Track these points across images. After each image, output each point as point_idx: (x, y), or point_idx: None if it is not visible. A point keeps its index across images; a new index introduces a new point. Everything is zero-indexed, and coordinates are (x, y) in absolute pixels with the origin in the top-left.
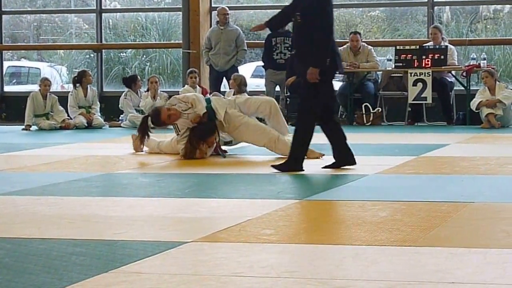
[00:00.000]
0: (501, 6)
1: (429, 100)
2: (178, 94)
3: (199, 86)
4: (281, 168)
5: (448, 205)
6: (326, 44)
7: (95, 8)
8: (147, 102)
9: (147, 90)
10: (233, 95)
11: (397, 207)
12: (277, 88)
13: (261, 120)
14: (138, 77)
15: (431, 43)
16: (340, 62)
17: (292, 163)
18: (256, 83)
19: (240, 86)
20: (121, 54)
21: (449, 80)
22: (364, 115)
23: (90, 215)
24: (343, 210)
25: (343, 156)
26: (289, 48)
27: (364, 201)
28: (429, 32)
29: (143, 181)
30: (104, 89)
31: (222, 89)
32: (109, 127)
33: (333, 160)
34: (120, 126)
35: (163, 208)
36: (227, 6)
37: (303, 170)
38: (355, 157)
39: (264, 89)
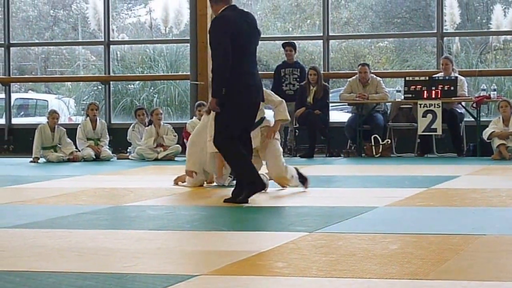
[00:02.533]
0: (511, 36)
1: (439, 132)
2: (185, 127)
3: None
4: (242, 199)
5: (459, 237)
6: (220, 73)
7: (103, 40)
8: (148, 141)
9: (150, 124)
10: None
11: (407, 239)
12: None
13: None
14: (144, 109)
15: (440, 74)
16: (254, 94)
17: (251, 188)
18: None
19: None
20: (129, 86)
21: (459, 111)
22: (373, 147)
23: (99, 248)
24: (353, 243)
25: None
26: (298, 79)
27: (375, 233)
28: (440, 62)
29: (152, 213)
30: (112, 121)
31: None
32: (117, 159)
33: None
34: (128, 158)
35: (172, 241)
36: None
37: (266, 186)
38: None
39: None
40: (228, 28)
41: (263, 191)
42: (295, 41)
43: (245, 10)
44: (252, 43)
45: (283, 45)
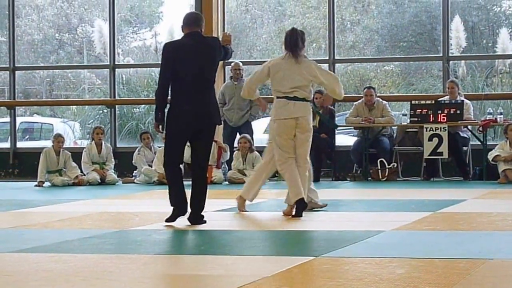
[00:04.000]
0: None
1: (445, 155)
2: None
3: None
4: (167, 219)
5: (466, 262)
6: (156, 98)
7: (108, 63)
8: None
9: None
10: (242, 156)
11: (414, 264)
12: None
13: None
14: (149, 132)
15: (447, 97)
16: (189, 120)
17: (173, 211)
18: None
19: (251, 146)
20: (135, 109)
21: (462, 135)
22: (379, 171)
23: (104, 273)
24: (360, 267)
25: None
26: None
27: (381, 258)
28: (446, 86)
29: (157, 238)
30: (118, 145)
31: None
32: (123, 183)
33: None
34: (134, 182)
35: (177, 265)
36: (241, 61)
37: (185, 212)
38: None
39: None
40: (169, 55)
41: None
42: None
43: (212, 36)
44: (194, 70)
45: None
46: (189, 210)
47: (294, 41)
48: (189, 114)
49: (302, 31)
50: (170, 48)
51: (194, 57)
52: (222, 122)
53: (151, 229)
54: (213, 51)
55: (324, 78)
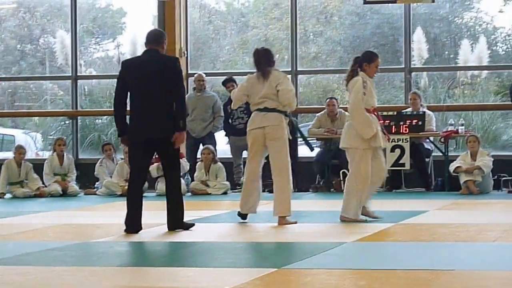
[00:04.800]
0: (478, 71)
1: (407, 167)
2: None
3: None
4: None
5: (428, 273)
6: (114, 114)
7: (70, 75)
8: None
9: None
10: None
11: (375, 275)
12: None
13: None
14: (112, 144)
15: (409, 109)
16: (142, 132)
17: (125, 228)
18: None
19: (214, 157)
20: (97, 120)
21: (426, 146)
22: (341, 182)
23: (66, 285)
24: (321, 279)
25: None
26: (245, 112)
27: (343, 269)
28: (408, 97)
29: (119, 249)
30: (80, 156)
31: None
32: (85, 194)
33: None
34: (96, 194)
35: (140, 278)
36: (204, 73)
37: (134, 230)
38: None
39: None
40: (122, 73)
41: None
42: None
43: (167, 55)
44: (144, 86)
45: (224, 83)
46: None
47: (256, 61)
48: (140, 128)
49: (266, 49)
50: (123, 66)
51: (144, 74)
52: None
53: (113, 241)
54: (165, 69)
55: (282, 87)
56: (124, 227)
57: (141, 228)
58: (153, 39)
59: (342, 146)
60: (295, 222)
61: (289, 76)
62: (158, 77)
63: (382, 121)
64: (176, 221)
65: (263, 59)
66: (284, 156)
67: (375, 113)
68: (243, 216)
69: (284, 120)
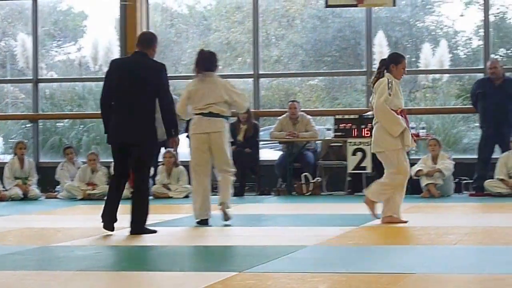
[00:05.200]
0: (439, 75)
1: (369, 170)
2: None
3: None
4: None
5: (388, 276)
6: (100, 110)
7: (31, 78)
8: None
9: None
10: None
11: (336, 278)
12: None
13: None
14: (73, 147)
15: (370, 112)
16: (119, 133)
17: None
18: None
19: (176, 161)
20: (58, 124)
21: None
22: (303, 185)
23: None
24: (282, 283)
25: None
26: None
27: (304, 273)
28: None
29: (80, 254)
30: (40, 160)
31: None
32: (45, 198)
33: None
34: (57, 198)
35: (99, 282)
36: None
37: (108, 228)
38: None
39: None
40: (107, 72)
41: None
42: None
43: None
44: (126, 87)
45: None
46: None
47: (199, 61)
48: (119, 128)
49: (211, 52)
50: (111, 65)
51: (129, 76)
52: None
53: (73, 245)
54: (150, 74)
55: (236, 96)
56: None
57: (113, 229)
58: (142, 41)
59: (375, 150)
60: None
61: (251, 79)
62: (141, 81)
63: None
64: (136, 226)
65: (207, 62)
66: (228, 159)
67: (402, 114)
68: (204, 221)
69: (227, 124)
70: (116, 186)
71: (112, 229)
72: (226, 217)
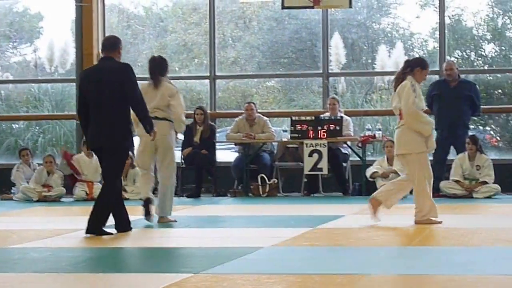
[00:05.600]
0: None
1: (325, 171)
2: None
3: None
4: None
5: (344, 277)
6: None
7: None
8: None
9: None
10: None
11: (292, 280)
12: None
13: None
14: (29, 149)
15: (327, 113)
16: (95, 139)
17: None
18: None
19: (132, 162)
20: (14, 125)
21: (343, 151)
22: (260, 187)
23: None
24: (238, 284)
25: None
26: None
27: (259, 274)
28: (327, 102)
29: (35, 256)
30: None
31: None
32: (1, 200)
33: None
34: (12, 199)
35: (55, 284)
36: None
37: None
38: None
39: None
40: (79, 82)
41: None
42: (183, 80)
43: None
44: (96, 93)
45: None
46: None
47: (151, 69)
48: (95, 135)
49: (162, 58)
50: (80, 77)
51: (97, 83)
52: None
53: (29, 247)
54: (118, 76)
55: (174, 102)
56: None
57: (130, 228)
58: (107, 46)
59: (400, 152)
60: (175, 221)
61: (208, 81)
62: (110, 85)
63: None
64: (94, 226)
65: (158, 68)
66: (171, 162)
67: None
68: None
69: (172, 128)
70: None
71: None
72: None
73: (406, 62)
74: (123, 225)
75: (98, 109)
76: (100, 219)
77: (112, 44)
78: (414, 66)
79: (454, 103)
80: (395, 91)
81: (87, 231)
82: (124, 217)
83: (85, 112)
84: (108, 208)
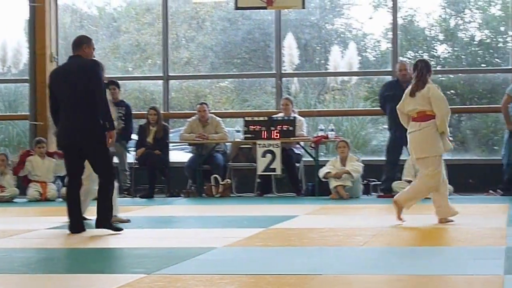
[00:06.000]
0: (348, 77)
1: (278, 172)
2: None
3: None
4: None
5: (296, 278)
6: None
7: None
8: None
9: None
10: None
11: (245, 280)
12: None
13: None
14: None
15: (280, 114)
16: (67, 134)
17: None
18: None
19: None
20: None
21: (296, 151)
22: (213, 187)
23: None
24: (191, 284)
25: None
26: (123, 118)
27: (212, 274)
28: (281, 103)
29: None
30: None
31: None
32: None
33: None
34: None
35: (9, 285)
36: None
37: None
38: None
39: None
40: (49, 82)
41: (74, 233)
42: (136, 81)
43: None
44: (67, 91)
45: (107, 85)
46: None
47: None
48: (65, 131)
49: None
50: (50, 77)
51: (66, 81)
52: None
53: None
54: (84, 73)
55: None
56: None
57: (84, 230)
58: (74, 45)
59: (420, 156)
60: (128, 221)
61: (161, 81)
62: (78, 83)
63: None
64: (103, 221)
65: None
66: (103, 162)
67: None
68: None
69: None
70: (71, 188)
71: (79, 230)
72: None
73: (424, 62)
74: (78, 226)
75: (70, 108)
76: (107, 214)
77: (76, 42)
78: (430, 68)
79: None
80: (414, 94)
81: (97, 226)
82: (79, 217)
83: (56, 110)
84: (110, 201)
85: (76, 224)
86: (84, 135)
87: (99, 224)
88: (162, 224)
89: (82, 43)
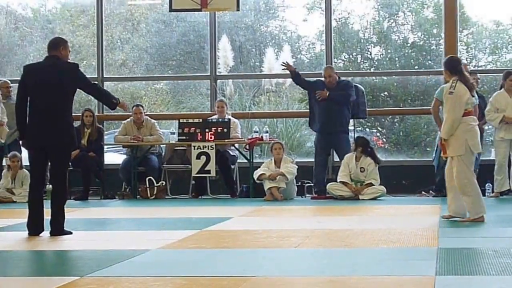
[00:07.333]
0: (283, 79)
1: (213, 173)
2: None
3: None
4: None
5: (229, 279)
6: (16, 117)
7: None
8: None
9: None
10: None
11: (179, 282)
12: None
13: None
14: None
15: (215, 116)
16: (36, 137)
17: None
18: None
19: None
20: None
21: (231, 153)
22: (148, 189)
23: None
24: (124, 287)
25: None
26: None
27: (146, 276)
28: (215, 105)
29: None
30: None
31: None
32: None
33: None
34: None
35: None
36: (9, 80)
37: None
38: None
39: None
40: (23, 76)
41: (33, 236)
42: None
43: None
44: (40, 92)
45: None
46: None
47: None
48: (34, 135)
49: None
50: (24, 70)
51: (42, 80)
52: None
53: None
54: (63, 76)
55: None
56: (27, 231)
57: (43, 230)
58: (51, 45)
59: (452, 154)
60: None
61: (96, 82)
62: (54, 84)
63: None
64: (56, 228)
65: None
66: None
67: None
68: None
69: None
70: (34, 191)
71: (38, 233)
72: None
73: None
74: (37, 228)
75: (44, 106)
76: (59, 220)
77: (53, 43)
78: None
79: (332, 107)
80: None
81: (51, 233)
82: (40, 220)
83: (24, 107)
84: (63, 207)
85: (36, 225)
86: (53, 140)
87: (54, 231)
88: (96, 226)
89: (59, 44)
